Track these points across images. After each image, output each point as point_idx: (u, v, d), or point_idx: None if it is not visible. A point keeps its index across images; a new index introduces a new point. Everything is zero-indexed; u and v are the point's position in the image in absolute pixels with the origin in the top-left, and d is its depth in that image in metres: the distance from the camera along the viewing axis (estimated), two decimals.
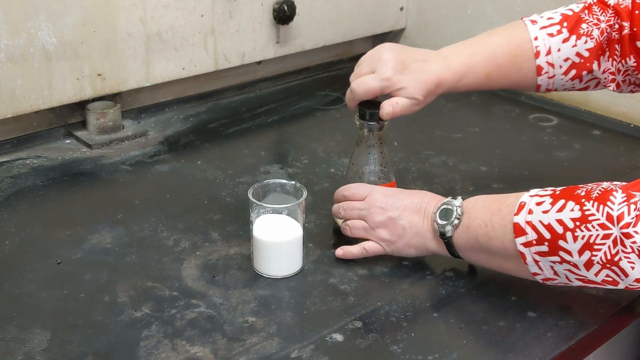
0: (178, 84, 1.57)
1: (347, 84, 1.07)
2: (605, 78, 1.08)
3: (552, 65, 1.08)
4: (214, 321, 0.92)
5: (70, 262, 1.04)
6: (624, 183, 0.85)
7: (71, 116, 1.44)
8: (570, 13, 1.08)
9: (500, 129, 1.50)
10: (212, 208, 1.18)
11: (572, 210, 0.84)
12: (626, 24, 1.03)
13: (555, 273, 0.88)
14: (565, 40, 1.06)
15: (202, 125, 1.50)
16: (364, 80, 1.05)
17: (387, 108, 1.04)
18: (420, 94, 1.05)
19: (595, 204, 0.83)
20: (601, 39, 1.05)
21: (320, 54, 1.79)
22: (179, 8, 1.47)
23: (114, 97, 1.46)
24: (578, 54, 1.06)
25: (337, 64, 1.81)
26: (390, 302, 0.96)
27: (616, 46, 1.05)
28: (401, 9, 1.85)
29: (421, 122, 1.49)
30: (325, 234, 1.11)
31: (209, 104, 1.60)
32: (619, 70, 1.07)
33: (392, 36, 1.90)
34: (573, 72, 1.08)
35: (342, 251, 1.04)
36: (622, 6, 1.04)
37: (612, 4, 1.05)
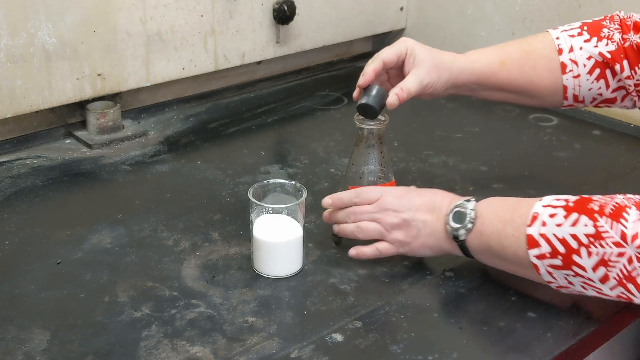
0: (178, 84, 1.57)
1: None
2: (629, 85, 1.08)
3: (575, 62, 1.08)
4: (214, 321, 0.92)
5: (70, 262, 1.04)
6: (637, 198, 0.84)
7: (71, 116, 1.44)
8: (590, 20, 1.11)
9: (500, 129, 1.50)
10: (212, 208, 1.18)
11: (586, 225, 0.84)
12: (627, 36, 1.05)
13: (570, 283, 0.88)
14: (587, 41, 1.08)
15: (202, 125, 1.50)
16: (380, 52, 1.08)
17: (392, 98, 1.05)
18: (432, 67, 1.07)
19: (609, 220, 0.82)
20: (622, 43, 1.06)
21: (320, 54, 1.79)
22: (179, 8, 1.47)
23: (114, 97, 1.46)
24: (600, 54, 1.07)
25: (337, 64, 1.81)
26: (390, 302, 0.96)
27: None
28: (401, 9, 1.85)
29: (421, 122, 1.49)
30: (325, 234, 1.11)
31: (209, 104, 1.60)
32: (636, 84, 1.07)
33: (392, 36, 1.89)
34: (597, 71, 1.08)
35: (355, 251, 1.02)
36: (627, 22, 1.06)
37: (621, 17, 1.08)
